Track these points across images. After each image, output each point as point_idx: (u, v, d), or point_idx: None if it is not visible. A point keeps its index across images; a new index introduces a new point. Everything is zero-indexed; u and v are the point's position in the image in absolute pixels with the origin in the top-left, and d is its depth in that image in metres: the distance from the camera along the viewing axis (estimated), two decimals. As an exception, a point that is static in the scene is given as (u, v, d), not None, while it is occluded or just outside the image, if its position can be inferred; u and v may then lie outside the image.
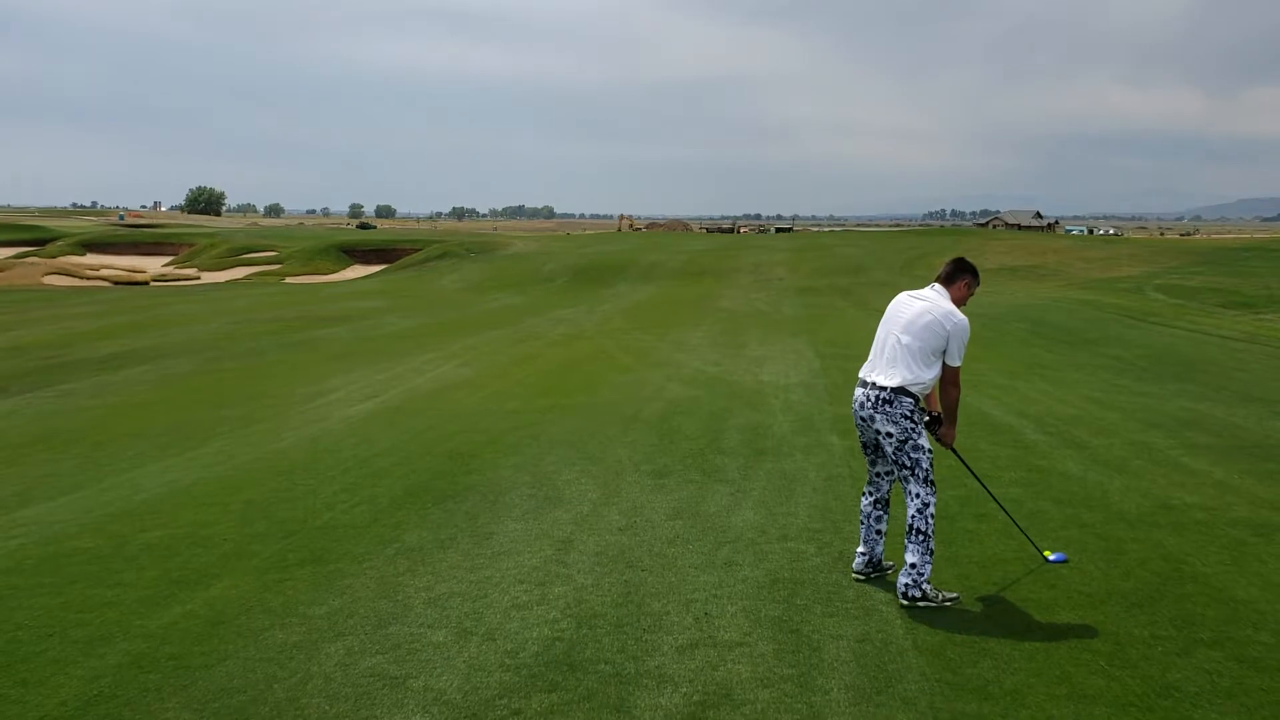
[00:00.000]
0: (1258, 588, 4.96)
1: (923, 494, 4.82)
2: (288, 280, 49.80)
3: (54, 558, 5.78)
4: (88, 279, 50.11)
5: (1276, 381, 12.46)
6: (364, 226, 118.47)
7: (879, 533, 5.16)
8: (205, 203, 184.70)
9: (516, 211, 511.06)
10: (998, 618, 4.63)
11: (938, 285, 5.05)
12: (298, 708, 3.81)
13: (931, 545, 4.80)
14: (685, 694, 3.87)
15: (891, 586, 5.00)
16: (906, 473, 4.86)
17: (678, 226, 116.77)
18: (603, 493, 6.94)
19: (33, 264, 55.36)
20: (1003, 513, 5.74)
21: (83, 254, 62.75)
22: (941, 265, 5.18)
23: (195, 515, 6.61)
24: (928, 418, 5.04)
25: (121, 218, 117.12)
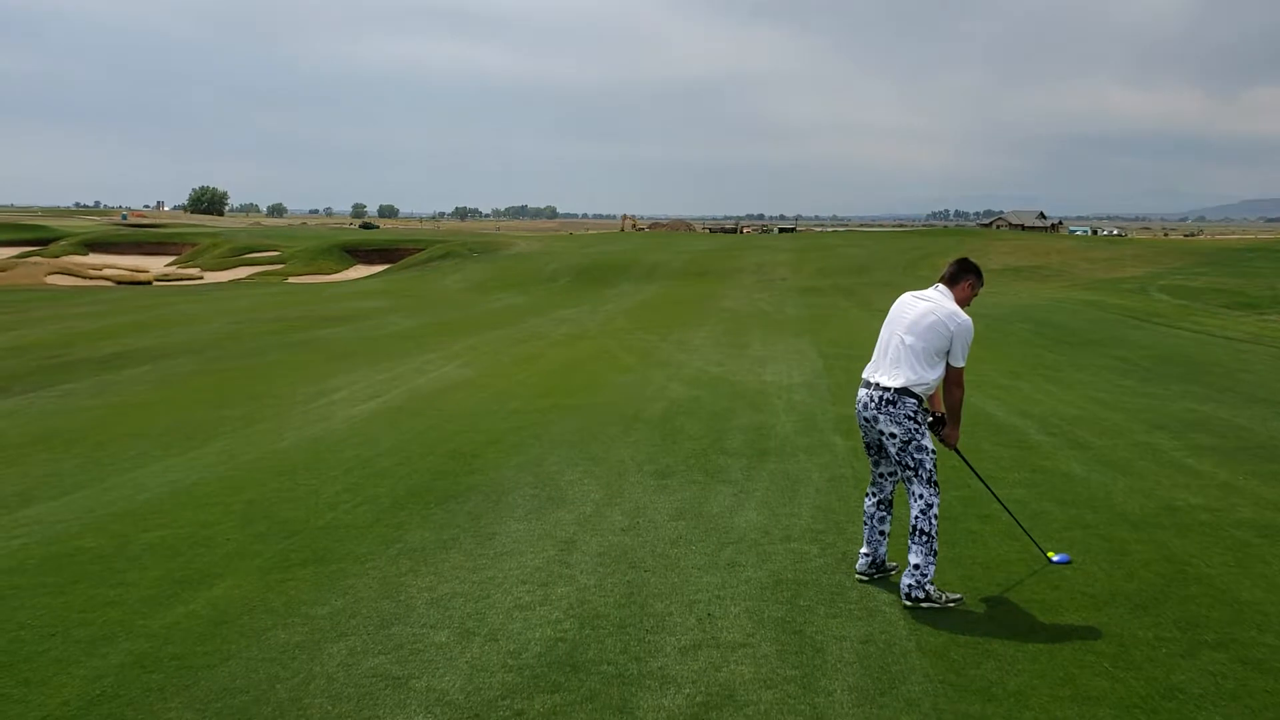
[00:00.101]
0: (1262, 589, 4.94)
1: (926, 495, 4.81)
2: (290, 280, 49.83)
3: (56, 557, 5.78)
4: (90, 279, 50.18)
5: (1280, 382, 12.42)
6: (367, 226, 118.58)
7: (882, 534, 5.16)
8: (208, 202, 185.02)
9: (519, 211, 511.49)
10: (1001, 619, 4.62)
11: (941, 286, 5.04)
12: (300, 708, 3.80)
13: (935, 546, 4.79)
14: (688, 695, 3.86)
15: (895, 588, 4.99)
16: (910, 473, 4.85)
17: (681, 226, 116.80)
18: (605, 493, 6.93)
19: (35, 263, 55.44)
20: (1006, 514, 5.73)
21: (85, 254, 62.83)
22: (945, 266, 5.18)
23: (197, 515, 6.61)
24: (931, 418, 5.04)
25: (124, 217, 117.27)
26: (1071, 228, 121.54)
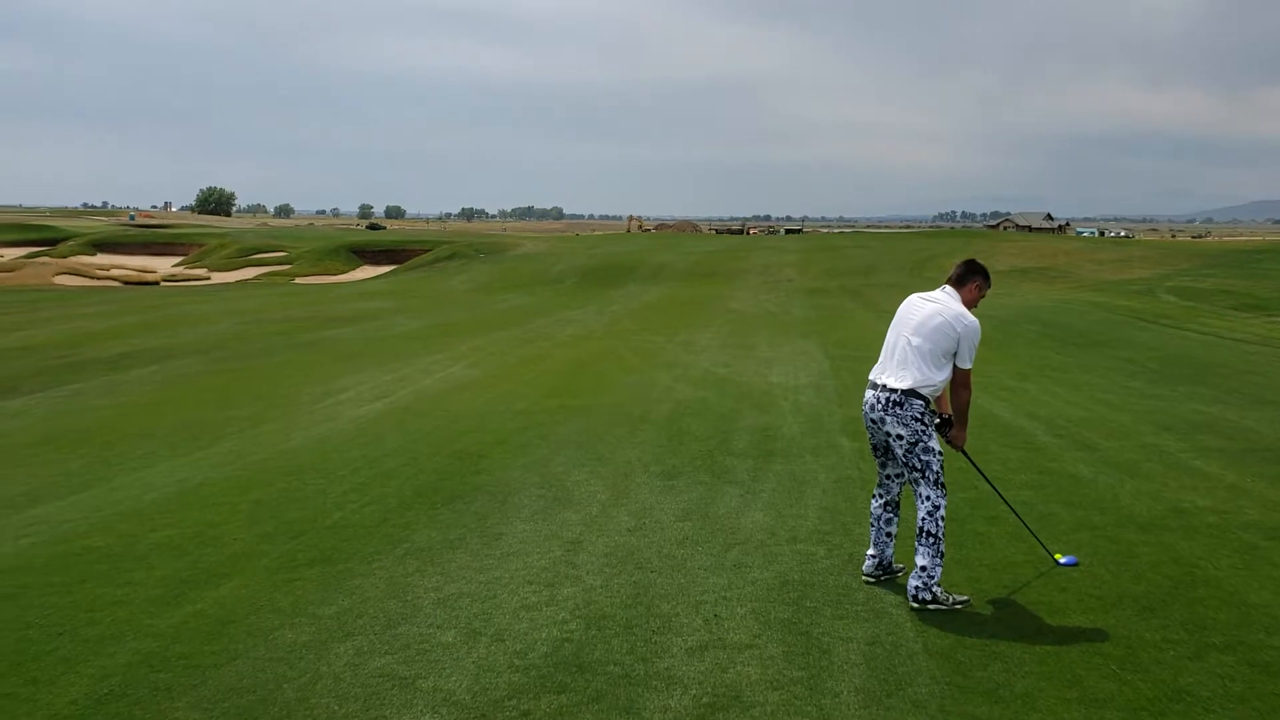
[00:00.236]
0: (1270, 592, 4.92)
1: (933, 496, 4.80)
2: (297, 281, 49.96)
3: (64, 556, 5.80)
4: (98, 279, 50.37)
5: (1289, 384, 12.37)
6: (373, 227, 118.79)
7: (889, 535, 5.15)
8: (215, 203, 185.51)
9: (525, 212, 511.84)
10: (1008, 621, 4.61)
11: (949, 287, 5.03)
12: (307, 708, 3.81)
13: (942, 548, 4.78)
14: (694, 696, 3.86)
15: (901, 589, 4.98)
16: (917, 475, 4.84)
17: (687, 227, 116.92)
18: (612, 494, 6.93)
19: (44, 264, 55.66)
20: (1013, 515, 5.72)
21: (93, 254, 63.05)
22: (952, 267, 5.16)
23: (205, 515, 6.63)
24: (938, 420, 5.03)
25: (132, 218, 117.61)
26: (1079, 229, 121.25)
